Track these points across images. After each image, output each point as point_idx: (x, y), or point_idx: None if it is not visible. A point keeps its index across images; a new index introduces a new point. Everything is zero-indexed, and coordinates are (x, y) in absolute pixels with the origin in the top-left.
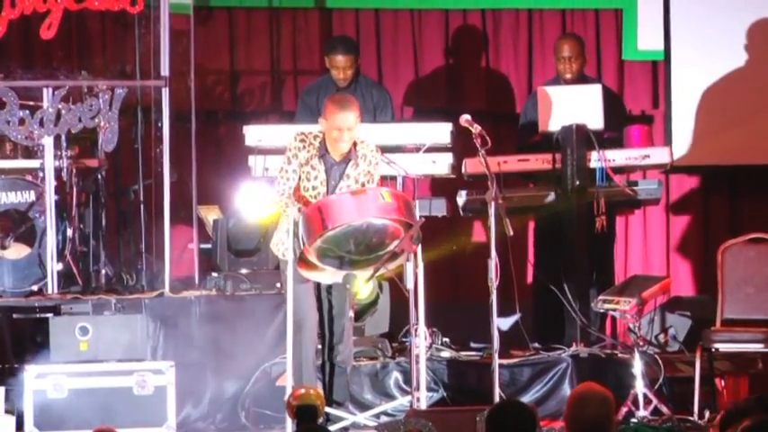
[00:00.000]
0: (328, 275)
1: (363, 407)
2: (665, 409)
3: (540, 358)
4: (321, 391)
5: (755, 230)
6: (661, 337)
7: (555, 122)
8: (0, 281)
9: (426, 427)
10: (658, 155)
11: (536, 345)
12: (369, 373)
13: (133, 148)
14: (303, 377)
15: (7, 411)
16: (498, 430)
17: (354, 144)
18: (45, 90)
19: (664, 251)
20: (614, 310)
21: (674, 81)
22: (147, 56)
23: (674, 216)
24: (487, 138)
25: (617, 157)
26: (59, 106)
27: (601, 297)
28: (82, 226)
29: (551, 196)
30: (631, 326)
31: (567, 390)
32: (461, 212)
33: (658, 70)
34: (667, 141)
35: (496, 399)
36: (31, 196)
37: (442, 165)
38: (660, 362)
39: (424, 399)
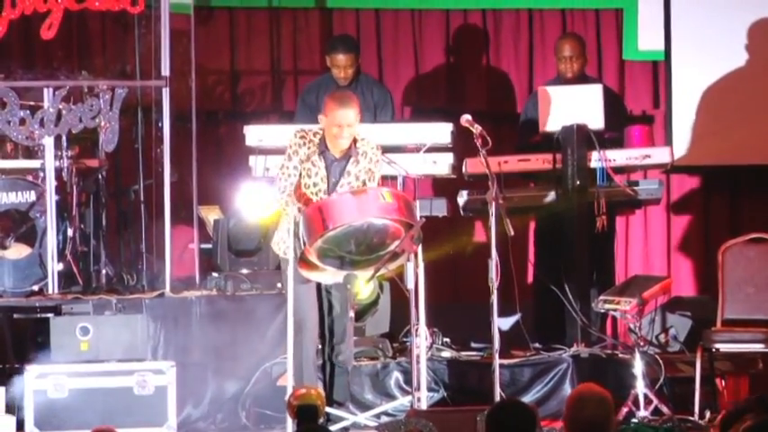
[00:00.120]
0: (329, 276)
1: (364, 407)
2: (665, 410)
3: (540, 358)
4: (322, 391)
5: (756, 230)
6: (662, 337)
7: (555, 122)
8: (1, 281)
9: (427, 428)
10: (659, 155)
11: (537, 345)
12: (369, 373)
13: (134, 148)
14: (304, 377)
15: (8, 411)
16: (498, 430)
17: (354, 141)
18: (45, 90)
19: (664, 251)
20: (615, 310)
21: (674, 81)
22: (148, 56)
23: (674, 216)
24: (488, 138)
25: (617, 157)
26: (60, 106)
27: (601, 297)
28: (82, 226)
29: (552, 196)
30: (632, 326)
31: (567, 390)
32: (462, 212)
33: (659, 70)
34: (668, 141)
35: (497, 399)
36: (31, 196)
37: (442, 165)
38: (661, 362)
39: (424, 399)
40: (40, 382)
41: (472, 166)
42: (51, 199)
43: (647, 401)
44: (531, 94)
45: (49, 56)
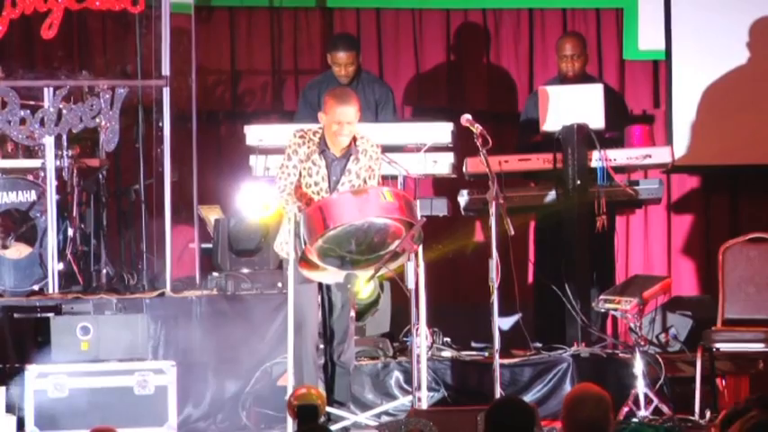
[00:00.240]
0: (330, 275)
1: (364, 407)
2: (665, 409)
3: (540, 358)
4: (322, 390)
5: (756, 230)
6: (662, 336)
7: (556, 122)
8: (1, 280)
9: (427, 427)
10: (659, 154)
11: (537, 344)
12: (370, 372)
13: (134, 147)
14: (304, 377)
15: (8, 411)
16: (497, 428)
17: (354, 139)
18: (46, 90)
19: (665, 251)
20: (615, 309)
21: (674, 81)
22: (148, 55)
23: (674, 216)
24: (488, 137)
25: (618, 156)
26: (60, 106)
27: (602, 297)
28: (83, 225)
29: (552, 196)
30: (632, 325)
31: (567, 390)
32: (463, 212)
33: (659, 70)
34: (668, 141)
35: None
36: (32, 196)
37: (443, 164)
38: (661, 362)
39: (425, 398)
40: (40, 381)
41: (473, 165)
42: (52, 198)
43: (648, 401)
44: (532, 94)
45: (49, 55)
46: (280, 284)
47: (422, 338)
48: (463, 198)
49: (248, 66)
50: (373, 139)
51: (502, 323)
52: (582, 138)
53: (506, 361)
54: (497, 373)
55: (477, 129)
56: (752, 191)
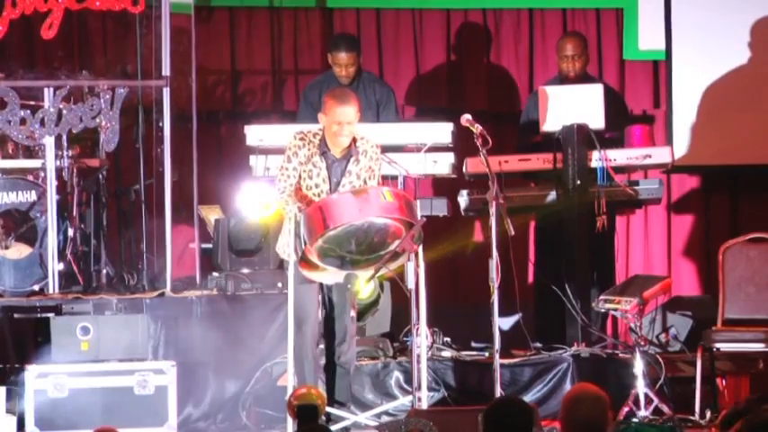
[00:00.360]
0: (330, 275)
1: (364, 407)
2: (666, 409)
3: (541, 358)
4: (322, 390)
5: (756, 230)
6: (662, 336)
7: (556, 122)
8: (1, 280)
9: (427, 427)
10: (659, 154)
11: (537, 344)
12: (370, 372)
13: (134, 147)
14: (304, 377)
15: (8, 411)
16: (496, 428)
17: (354, 140)
18: (46, 90)
19: (665, 251)
20: (615, 309)
21: (675, 81)
22: (149, 56)
23: (674, 216)
24: (488, 137)
25: (618, 156)
26: (60, 106)
27: (602, 297)
28: (83, 226)
29: (552, 196)
30: (632, 325)
31: (567, 389)
32: (463, 212)
33: (659, 70)
34: (668, 141)
35: None
36: (32, 196)
37: (443, 164)
38: (661, 361)
39: (425, 398)
40: (40, 381)
41: (473, 165)
42: (52, 199)
43: (648, 401)
44: (532, 94)
45: (49, 55)
46: (280, 284)
47: (422, 338)
48: (463, 198)
49: (248, 66)
50: (373, 139)
51: (502, 323)
52: (582, 138)
53: (506, 361)
54: (497, 373)
55: (477, 129)
56: (752, 191)
